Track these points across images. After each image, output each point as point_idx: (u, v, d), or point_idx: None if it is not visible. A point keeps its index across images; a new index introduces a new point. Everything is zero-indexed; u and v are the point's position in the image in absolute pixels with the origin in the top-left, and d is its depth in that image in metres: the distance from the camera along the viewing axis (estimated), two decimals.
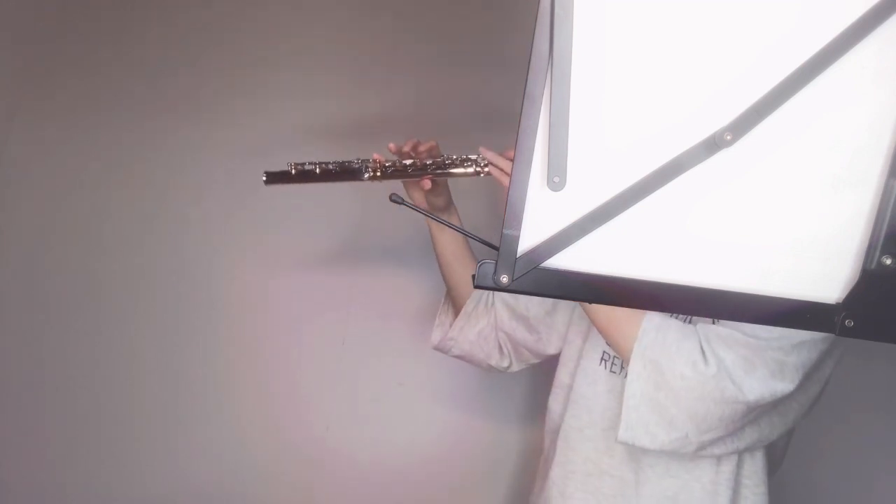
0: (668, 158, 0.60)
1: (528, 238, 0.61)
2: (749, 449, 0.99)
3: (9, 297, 1.67)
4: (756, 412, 0.93)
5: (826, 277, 0.62)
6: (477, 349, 1.28)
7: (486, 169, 1.10)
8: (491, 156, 1.09)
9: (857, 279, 0.61)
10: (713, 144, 0.59)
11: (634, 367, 0.95)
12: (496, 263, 0.61)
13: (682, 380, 0.91)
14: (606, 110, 0.60)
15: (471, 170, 1.11)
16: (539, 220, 0.61)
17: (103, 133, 1.64)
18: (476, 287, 0.62)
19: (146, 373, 1.66)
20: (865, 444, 1.50)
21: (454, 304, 1.29)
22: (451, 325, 1.29)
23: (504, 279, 0.61)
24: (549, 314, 1.25)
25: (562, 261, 0.62)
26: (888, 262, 0.60)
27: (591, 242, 0.61)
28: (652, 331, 0.96)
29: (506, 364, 1.29)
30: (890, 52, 0.58)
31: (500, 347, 1.28)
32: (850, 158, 0.60)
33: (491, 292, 1.24)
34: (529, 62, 0.58)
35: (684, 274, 0.62)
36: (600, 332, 1.04)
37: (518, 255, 0.61)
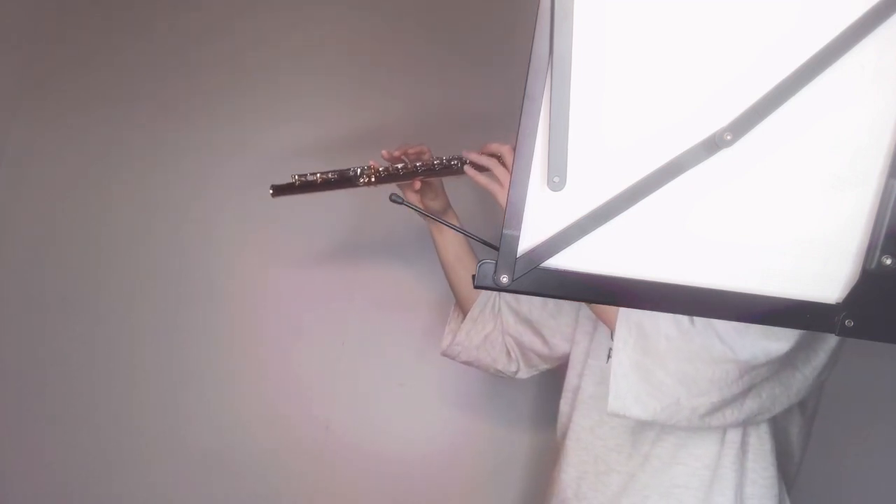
0: (668, 158, 0.60)
1: (528, 238, 0.61)
2: (750, 421, 0.96)
3: (9, 297, 1.67)
4: (752, 376, 0.90)
5: (826, 277, 0.62)
6: (483, 354, 1.29)
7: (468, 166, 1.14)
8: (474, 156, 1.11)
9: (857, 279, 0.61)
10: (713, 144, 0.59)
11: (619, 333, 0.93)
12: (496, 263, 0.61)
13: (667, 341, 0.90)
14: (606, 110, 0.60)
15: (459, 169, 1.14)
16: (539, 220, 0.61)
17: (103, 133, 1.64)
18: (476, 287, 0.62)
19: (146, 371, 1.66)
20: (875, 442, 1.50)
21: (462, 309, 1.31)
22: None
23: (504, 279, 0.61)
24: (552, 317, 1.26)
25: (562, 261, 0.62)
26: (888, 262, 0.60)
27: (591, 242, 0.61)
28: None
29: (513, 369, 1.30)
30: (890, 52, 0.58)
31: (508, 352, 1.29)
32: (851, 158, 0.60)
33: (497, 296, 1.27)
34: (529, 62, 0.58)
35: (684, 274, 0.62)
36: (591, 309, 1.05)
37: (518, 255, 0.61)
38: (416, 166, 1.16)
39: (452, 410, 1.65)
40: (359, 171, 1.16)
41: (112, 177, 1.65)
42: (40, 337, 1.66)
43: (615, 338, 0.94)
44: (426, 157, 1.18)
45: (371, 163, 1.17)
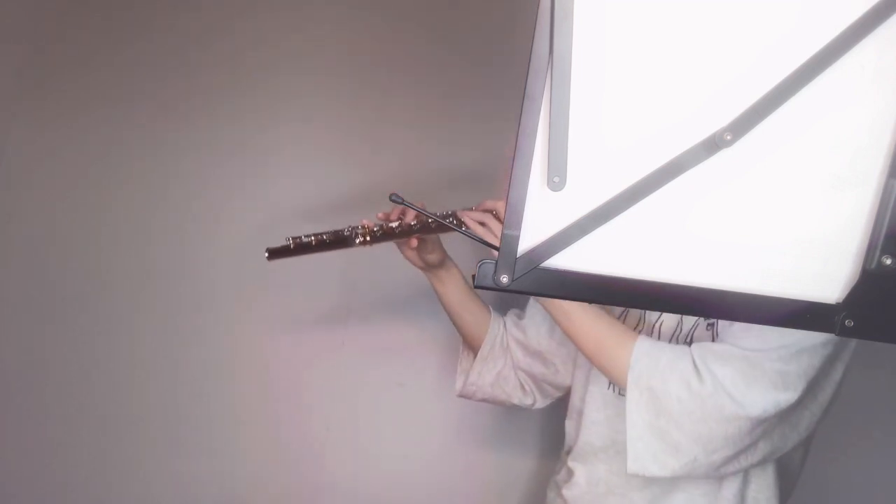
0: (668, 158, 0.60)
1: (529, 238, 0.61)
2: (763, 461, 0.98)
3: (9, 297, 1.67)
4: (764, 426, 0.92)
5: (826, 277, 0.62)
6: (498, 391, 1.30)
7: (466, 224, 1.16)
8: (468, 213, 1.13)
9: (857, 279, 0.61)
10: (713, 144, 0.59)
11: (631, 396, 0.95)
12: (496, 263, 0.61)
13: (679, 403, 0.91)
14: (606, 110, 0.60)
15: (453, 225, 1.15)
16: (539, 220, 0.61)
17: (104, 133, 1.64)
18: (476, 287, 0.62)
19: (147, 374, 1.66)
20: (875, 444, 1.50)
21: (472, 350, 1.31)
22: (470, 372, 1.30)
23: (504, 279, 0.61)
24: (561, 344, 1.26)
25: (562, 261, 0.62)
26: (888, 262, 0.60)
27: (591, 242, 0.61)
28: (643, 357, 0.95)
29: (530, 401, 1.31)
30: (890, 52, 0.58)
31: (522, 386, 1.30)
32: (851, 158, 0.60)
33: (504, 333, 1.29)
34: (529, 62, 0.58)
35: (684, 274, 0.62)
36: (590, 360, 1.05)
37: (518, 255, 0.61)
38: (410, 225, 1.17)
39: (450, 409, 1.64)
40: (354, 231, 1.17)
41: (112, 177, 1.65)
42: (40, 337, 1.66)
43: (627, 400, 0.95)
44: (421, 215, 1.18)
45: (364, 222, 1.18)
